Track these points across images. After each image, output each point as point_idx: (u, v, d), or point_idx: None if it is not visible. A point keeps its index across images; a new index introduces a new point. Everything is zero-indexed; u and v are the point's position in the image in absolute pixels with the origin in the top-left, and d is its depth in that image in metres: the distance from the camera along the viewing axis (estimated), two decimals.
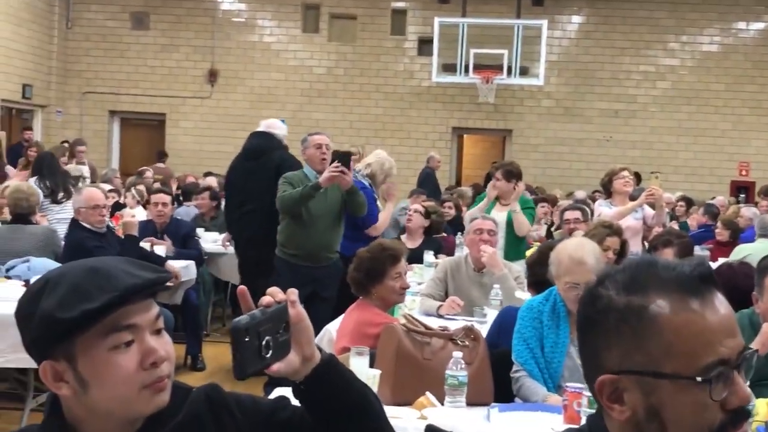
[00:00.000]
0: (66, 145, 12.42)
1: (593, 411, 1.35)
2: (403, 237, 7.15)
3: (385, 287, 4.03)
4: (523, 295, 4.67)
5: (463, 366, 3.14)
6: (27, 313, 1.41)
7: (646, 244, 6.50)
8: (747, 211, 10.20)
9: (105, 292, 1.37)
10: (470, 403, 3.13)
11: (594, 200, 9.10)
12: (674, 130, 16.19)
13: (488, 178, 10.63)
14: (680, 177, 15.56)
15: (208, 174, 12.21)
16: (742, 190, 15.66)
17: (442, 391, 3.13)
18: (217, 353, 7.07)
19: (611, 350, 1.21)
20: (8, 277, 5.23)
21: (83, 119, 16.87)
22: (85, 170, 10.91)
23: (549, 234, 8.54)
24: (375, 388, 2.90)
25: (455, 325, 3.76)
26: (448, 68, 14.63)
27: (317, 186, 5.47)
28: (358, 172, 6.64)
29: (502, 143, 17.18)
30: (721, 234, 8.66)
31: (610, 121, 16.31)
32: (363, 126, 16.21)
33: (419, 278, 5.93)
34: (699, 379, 1.15)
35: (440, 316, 4.80)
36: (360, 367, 3.10)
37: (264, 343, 1.38)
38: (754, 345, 3.30)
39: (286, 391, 1.68)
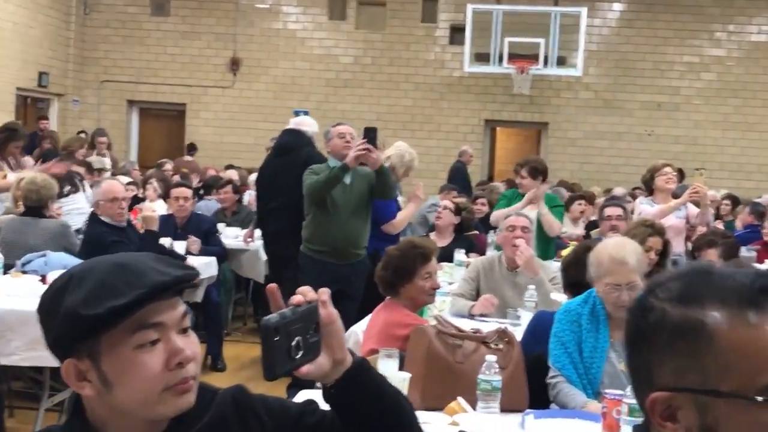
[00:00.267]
0: (83, 135, 12.27)
1: (633, 419, 1.42)
2: (432, 235, 7.07)
3: (414, 287, 4.00)
4: (559, 296, 4.62)
5: (497, 370, 3.11)
6: (50, 309, 1.41)
7: (689, 244, 6.62)
8: None
9: (133, 289, 1.36)
10: (504, 410, 3.11)
11: (634, 197, 9.16)
12: (720, 125, 15.92)
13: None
14: (726, 174, 15.28)
15: (229, 167, 12.21)
16: None
17: (474, 396, 3.10)
18: (239, 353, 7.08)
19: (664, 366, 1.17)
20: (24, 272, 5.23)
21: (101, 109, 16.81)
22: (107, 162, 10.68)
23: (588, 234, 8.35)
24: (404, 393, 2.81)
25: (488, 327, 3.70)
26: (481, 58, 14.58)
27: (345, 167, 5.49)
28: None
29: (537, 137, 17.07)
30: None
31: (651, 114, 16.05)
32: (391, 118, 16.00)
33: (449, 278, 5.90)
34: (759, 399, 1.12)
35: (471, 317, 4.80)
36: (389, 370, 3.10)
37: (294, 343, 1.38)
38: None
39: (311, 394, 1.70)
